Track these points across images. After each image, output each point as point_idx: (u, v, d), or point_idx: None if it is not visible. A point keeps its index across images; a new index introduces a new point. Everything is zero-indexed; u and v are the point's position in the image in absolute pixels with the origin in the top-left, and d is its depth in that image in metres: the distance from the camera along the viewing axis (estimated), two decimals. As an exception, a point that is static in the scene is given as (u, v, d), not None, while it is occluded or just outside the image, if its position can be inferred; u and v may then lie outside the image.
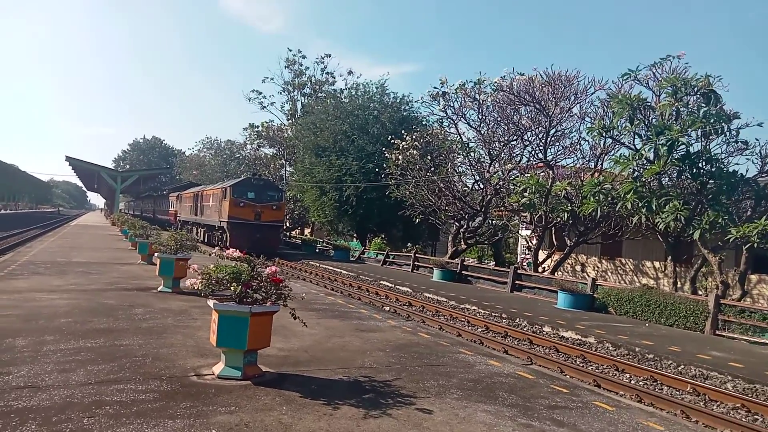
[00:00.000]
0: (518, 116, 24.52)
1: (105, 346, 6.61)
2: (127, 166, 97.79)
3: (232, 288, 5.49)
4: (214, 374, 5.68)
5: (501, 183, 25.19)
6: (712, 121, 15.19)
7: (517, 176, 23.91)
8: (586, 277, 20.93)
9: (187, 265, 11.34)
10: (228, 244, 26.41)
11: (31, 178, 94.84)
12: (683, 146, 15.64)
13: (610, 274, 23.12)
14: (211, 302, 5.54)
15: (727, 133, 15.92)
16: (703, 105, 15.71)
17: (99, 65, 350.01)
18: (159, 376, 5.56)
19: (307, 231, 49.76)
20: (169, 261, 11.38)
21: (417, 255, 26.99)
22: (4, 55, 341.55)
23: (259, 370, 5.82)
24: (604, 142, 21.26)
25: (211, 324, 5.71)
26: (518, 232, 28.34)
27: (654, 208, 15.60)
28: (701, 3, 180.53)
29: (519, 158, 25.73)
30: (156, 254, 11.83)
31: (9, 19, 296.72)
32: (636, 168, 16.95)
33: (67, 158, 56.12)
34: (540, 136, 23.86)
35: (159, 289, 11.40)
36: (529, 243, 25.89)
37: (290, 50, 55.84)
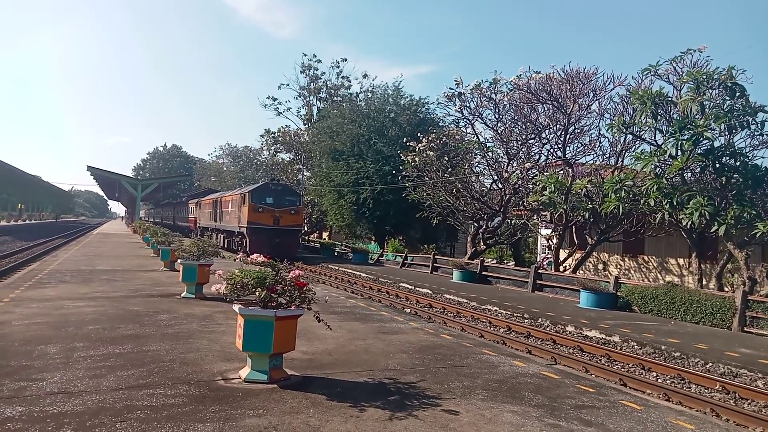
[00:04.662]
0: (536, 114, 24.35)
1: (133, 351, 6.72)
2: (147, 175, 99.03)
3: (257, 292, 5.54)
4: (240, 378, 5.74)
5: (519, 182, 25.03)
6: (737, 114, 14.94)
7: (536, 175, 23.73)
8: (609, 275, 20.71)
9: (209, 270, 11.50)
10: (248, 249, 26.62)
11: (53, 188, 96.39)
12: (707, 141, 15.40)
13: (633, 272, 22.82)
14: (236, 307, 5.60)
15: (752, 127, 15.67)
16: (726, 98, 15.46)
17: (120, 76, 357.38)
18: (187, 380, 5.64)
19: (325, 235, 49.97)
20: (191, 267, 11.52)
21: (436, 256, 26.93)
22: (28, 70, 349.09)
23: (285, 373, 5.87)
24: (625, 139, 21.02)
25: (237, 328, 5.78)
26: (538, 231, 28.11)
27: (677, 204, 15.38)
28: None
29: (537, 157, 25.56)
30: (179, 260, 11.98)
31: (34, 33, 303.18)
32: (658, 164, 16.72)
33: (89, 168, 57.08)
34: (558, 134, 23.66)
35: (182, 295, 11.55)
36: (550, 242, 25.67)
37: (305, 55, 56.10)
